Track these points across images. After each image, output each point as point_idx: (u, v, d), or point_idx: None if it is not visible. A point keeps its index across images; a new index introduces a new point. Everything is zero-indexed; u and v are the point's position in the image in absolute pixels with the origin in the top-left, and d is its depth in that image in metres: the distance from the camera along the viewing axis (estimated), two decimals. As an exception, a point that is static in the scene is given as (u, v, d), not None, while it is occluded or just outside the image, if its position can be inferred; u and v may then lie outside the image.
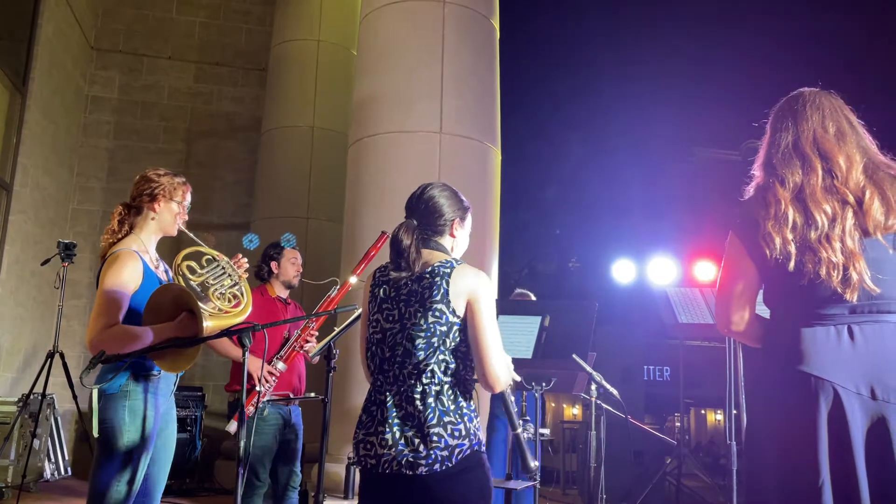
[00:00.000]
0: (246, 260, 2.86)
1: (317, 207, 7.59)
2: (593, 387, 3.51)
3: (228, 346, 3.58)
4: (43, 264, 5.88)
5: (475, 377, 2.04)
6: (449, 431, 1.93)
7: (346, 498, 4.48)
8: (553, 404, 19.31)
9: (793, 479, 1.71)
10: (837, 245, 1.73)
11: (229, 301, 2.69)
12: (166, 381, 2.60)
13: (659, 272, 8.53)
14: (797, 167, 1.84)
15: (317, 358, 3.56)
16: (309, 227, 7.46)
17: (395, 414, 1.96)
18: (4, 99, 6.85)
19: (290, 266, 3.95)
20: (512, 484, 3.16)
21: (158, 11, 8.96)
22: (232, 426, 3.46)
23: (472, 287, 2.00)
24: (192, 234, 2.75)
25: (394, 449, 1.93)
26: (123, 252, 2.53)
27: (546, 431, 4.61)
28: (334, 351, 3.27)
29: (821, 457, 1.67)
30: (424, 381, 1.95)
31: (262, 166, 8.12)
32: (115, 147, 8.57)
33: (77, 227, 8.27)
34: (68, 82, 8.09)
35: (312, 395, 3.51)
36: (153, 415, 2.51)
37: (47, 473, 6.16)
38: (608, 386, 3.41)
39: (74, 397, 5.11)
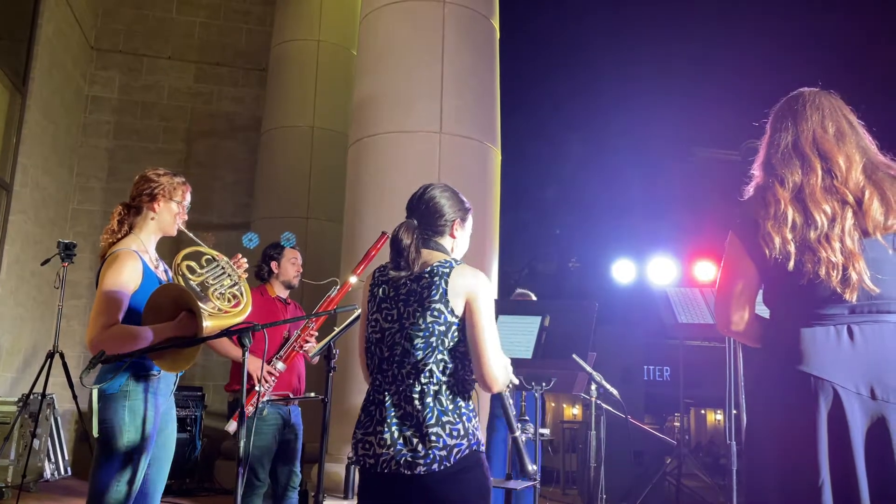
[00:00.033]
0: (245, 260, 2.86)
1: (317, 207, 7.59)
2: (593, 387, 3.51)
3: (228, 346, 3.58)
4: (43, 264, 5.88)
5: (474, 377, 2.04)
6: (447, 431, 1.93)
7: (346, 498, 4.48)
8: (553, 404, 19.30)
9: (793, 478, 1.71)
10: (837, 245, 1.73)
11: (229, 301, 2.69)
12: (166, 381, 2.60)
13: (659, 272, 8.54)
14: (797, 167, 1.84)
15: (316, 358, 3.56)
16: (309, 227, 7.45)
17: (393, 414, 1.96)
18: (4, 99, 6.85)
19: (290, 266, 3.94)
20: (512, 484, 3.15)
21: (158, 11, 8.96)
22: (231, 426, 3.46)
23: (471, 287, 2.00)
24: (191, 234, 2.75)
25: (392, 449, 1.93)
26: (123, 252, 2.53)
27: (546, 431, 4.59)
28: (334, 351, 3.27)
29: (821, 457, 1.67)
30: (423, 380, 1.95)
31: (262, 166, 8.12)
32: (114, 147, 8.57)
33: (77, 227, 8.27)
34: (68, 82, 8.09)
35: (312, 395, 3.50)
36: (153, 415, 2.51)
37: (47, 473, 6.16)
38: (608, 386, 3.40)
39: (74, 397, 5.11)
